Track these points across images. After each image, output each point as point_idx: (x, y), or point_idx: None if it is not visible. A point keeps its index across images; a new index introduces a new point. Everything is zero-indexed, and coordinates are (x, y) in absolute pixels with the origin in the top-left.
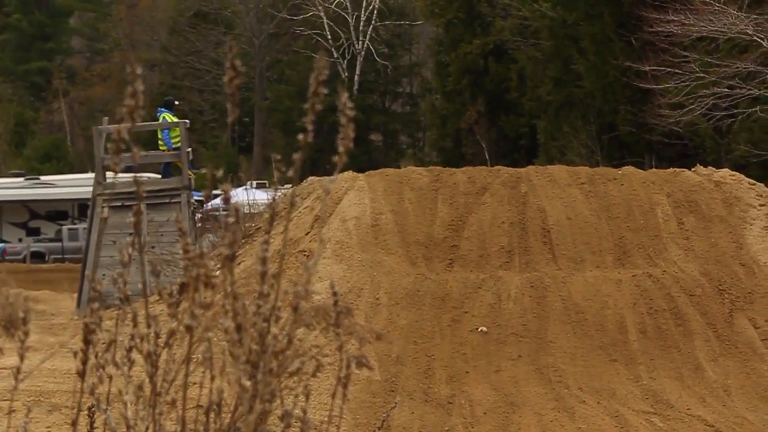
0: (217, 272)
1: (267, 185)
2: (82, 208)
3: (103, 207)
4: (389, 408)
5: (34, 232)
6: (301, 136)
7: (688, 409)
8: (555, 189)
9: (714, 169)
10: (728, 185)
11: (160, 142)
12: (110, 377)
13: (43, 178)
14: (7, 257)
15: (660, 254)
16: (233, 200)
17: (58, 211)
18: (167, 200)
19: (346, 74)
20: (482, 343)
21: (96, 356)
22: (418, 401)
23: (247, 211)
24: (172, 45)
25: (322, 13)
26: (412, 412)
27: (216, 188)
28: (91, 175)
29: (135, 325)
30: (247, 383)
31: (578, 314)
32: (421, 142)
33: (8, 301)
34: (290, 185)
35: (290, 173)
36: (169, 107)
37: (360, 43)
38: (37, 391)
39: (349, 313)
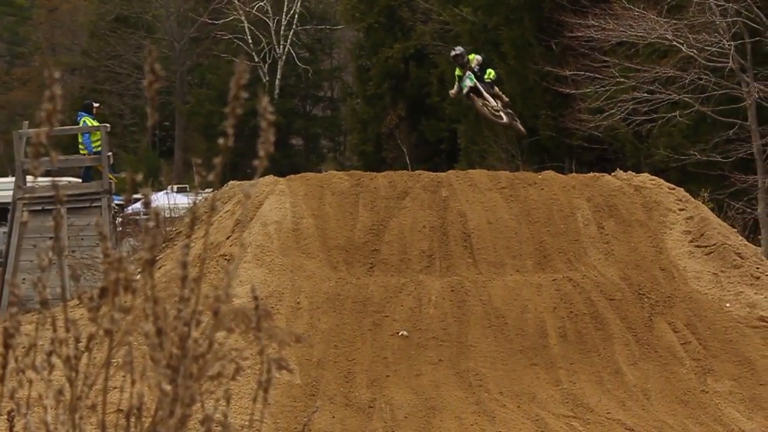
0: (138, 276)
1: (188, 189)
2: (2, 212)
3: (23, 211)
4: (310, 412)
5: None
6: (221, 140)
7: (607, 412)
8: (475, 193)
9: (634, 173)
10: (648, 189)
11: (80, 146)
12: (30, 381)
13: None
14: None
15: (580, 258)
16: (154, 204)
17: None
18: (88, 204)
19: (267, 78)
20: (403, 348)
21: (15, 360)
22: (339, 405)
23: (168, 216)
24: (93, 49)
25: (243, 18)
26: (333, 417)
27: (136, 192)
28: (12, 179)
29: (55, 330)
30: (168, 387)
31: (499, 318)
32: (342, 146)
33: None
34: (211, 189)
35: (211, 177)
36: (89, 111)
37: (281, 47)
38: None
39: (269, 317)
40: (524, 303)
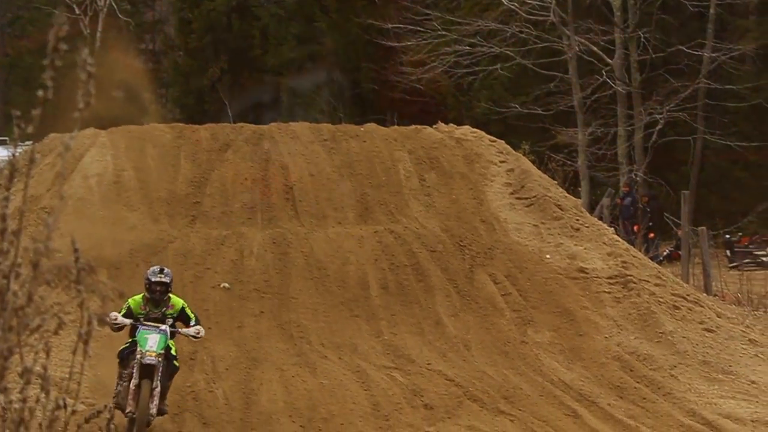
0: None
1: (7, 142)
2: None
3: None
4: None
5: None
6: (41, 93)
7: (428, 363)
8: (297, 146)
9: (455, 126)
10: (469, 142)
11: None
12: None
13: None
14: None
15: (401, 210)
16: None
17: None
18: None
19: (88, 31)
20: (225, 300)
21: None
22: None
23: None
24: None
25: None
26: None
27: None
28: None
29: None
30: None
31: (320, 270)
32: (164, 98)
33: None
34: (30, 142)
35: (30, 129)
36: None
37: None
38: None
39: (91, 271)
40: (346, 255)
